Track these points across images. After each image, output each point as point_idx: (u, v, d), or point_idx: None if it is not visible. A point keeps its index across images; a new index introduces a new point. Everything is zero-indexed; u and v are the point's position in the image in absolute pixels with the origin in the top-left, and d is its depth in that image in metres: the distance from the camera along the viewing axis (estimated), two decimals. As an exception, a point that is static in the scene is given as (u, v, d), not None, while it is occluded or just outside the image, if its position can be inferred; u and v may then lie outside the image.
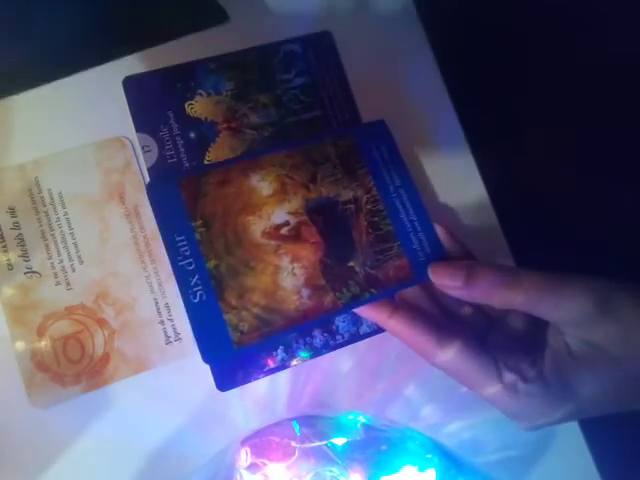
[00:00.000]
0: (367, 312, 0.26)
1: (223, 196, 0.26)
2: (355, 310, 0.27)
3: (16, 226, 0.29)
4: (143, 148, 0.31)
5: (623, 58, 0.27)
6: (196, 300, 0.25)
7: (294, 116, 0.32)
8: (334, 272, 0.26)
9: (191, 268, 0.25)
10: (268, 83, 0.32)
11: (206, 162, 0.31)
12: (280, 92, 0.32)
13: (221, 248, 0.25)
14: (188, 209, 0.26)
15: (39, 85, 0.30)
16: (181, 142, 0.31)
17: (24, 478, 0.27)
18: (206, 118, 0.31)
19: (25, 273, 0.28)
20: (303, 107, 0.32)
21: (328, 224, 0.27)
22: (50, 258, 0.29)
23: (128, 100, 0.31)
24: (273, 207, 0.27)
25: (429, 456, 0.28)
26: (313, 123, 0.32)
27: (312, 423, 0.29)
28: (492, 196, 0.33)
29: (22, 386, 0.27)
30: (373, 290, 0.26)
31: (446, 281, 0.25)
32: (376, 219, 0.28)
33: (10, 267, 0.28)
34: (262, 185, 0.27)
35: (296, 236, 0.26)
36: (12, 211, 0.29)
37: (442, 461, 0.28)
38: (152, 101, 0.31)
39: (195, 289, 0.25)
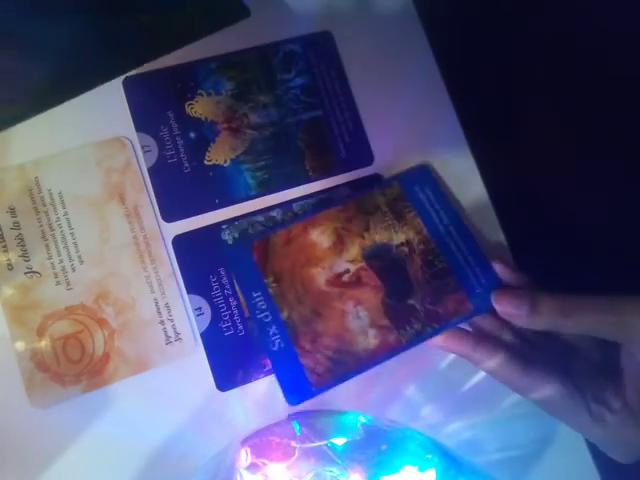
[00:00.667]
0: (451, 345, 0.27)
1: (289, 253, 0.29)
2: (437, 346, 0.28)
3: (16, 226, 0.29)
4: (143, 148, 0.31)
5: (624, 57, 0.27)
6: (275, 348, 0.28)
7: (294, 116, 0.32)
8: (396, 311, 0.29)
9: (268, 320, 0.28)
10: (268, 83, 0.32)
11: (206, 162, 0.31)
12: (280, 92, 0.32)
13: (292, 299, 0.28)
14: (260, 268, 0.29)
15: (61, 103, 0.30)
16: (181, 142, 0.31)
17: (24, 478, 0.27)
18: (206, 118, 0.31)
19: (25, 273, 0.28)
20: (303, 107, 0.32)
21: (385, 268, 0.29)
22: (50, 258, 0.29)
23: (128, 100, 0.31)
24: (333, 258, 0.29)
25: (429, 456, 0.28)
26: (313, 123, 0.32)
27: (312, 423, 0.29)
28: (492, 196, 0.33)
29: (22, 386, 0.27)
30: (435, 325, 0.28)
31: (510, 309, 0.26)
32: (430, 257, 0.30)
33: (10, 267, 0.28)
34: (322, 239, 0.30)
35: (357, 282, 0.29)
36: (12, 211, 0.29)
37: (442, 461, 0.28)
38: (152, 101, 0.31)
39: (273, 338, 0.28)
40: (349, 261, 0.29)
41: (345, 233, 0.30)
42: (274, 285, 0.28)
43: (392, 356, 0.28)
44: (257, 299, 0.28)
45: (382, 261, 0.29)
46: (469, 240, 0.30)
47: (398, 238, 0.30)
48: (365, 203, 0.31)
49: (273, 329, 0.28)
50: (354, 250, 0.30)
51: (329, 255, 0.29)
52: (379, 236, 0.30)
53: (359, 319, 0.28)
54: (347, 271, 0.29)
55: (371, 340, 0.28)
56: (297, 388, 0.27)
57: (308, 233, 0.30)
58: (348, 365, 0.28)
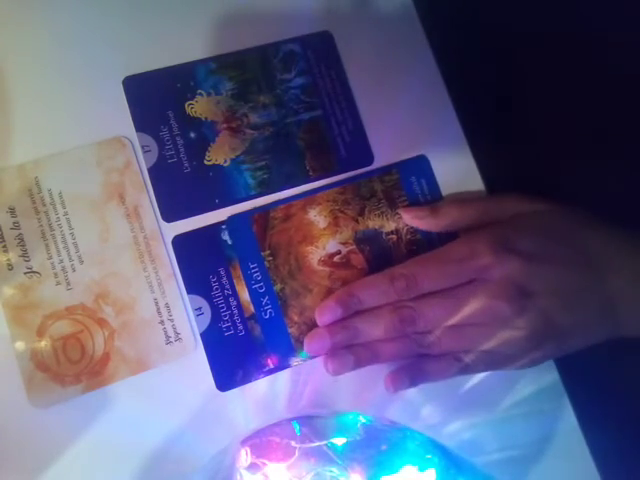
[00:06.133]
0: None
1: (287, 229, 0.31)
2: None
3: (16, 226, 0.29)
4: (143, 148, 0.31)
5: (623, 57, 0.27)
6: (266, 317, 0.30)
7: (294, 116, 0.32)
8: None
9: (262, 291, 0.30)
10: (268, 83, 0.32)
11: (206, 162, 0.31)
12: (280, 92, 0.32)
13: (285, 274, 0.30)
14: (259, 241, 0.30)
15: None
16: (181, 142, 0.31)
17: (24, 478, 0.27)
18: (206, 118, 0.31)
19: (25, 273, 0.28)
20: (303, 107, 0.32)
21: (373, 253, 0.31)
22: (50, 258, 0.29)
23: (128, 100, 0.31)
24: (328, 238, 0.31)
25: (429, 456, 0.28)
26: (313, 123, 0.32)
27: (312, 423, 0.29)
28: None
29: (22, 386, 0.27)
30: None
31: (414, 213, 0.31)
32: (414, 248, 0.31)
33: (10, 267, 0.28)
34: (318, 219, 0.31)
35: (346, 263, 0.31)
36: (12, 211, 0.29)
37: (442, 461, 0.28)
38: (152, 101, 0.31)
39: (266, 308, 0.30)
40: (341, 243, 0.31)
41: (341, 215, 0.31)
42: (270, 259, 0.30)
43: None
44: (253, 270, 0.30)
45: (371, 246, 0.31)
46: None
47: (389, 226, 0.31)
48: (363, 188, 0.32)
49: (266, 299, 0.30)
50: (347, 233, 0.31)
51: (324, 235, 0.31)
52: (372, 222, 0.31)
53: None
54: (338, 252, 0.31)
55: None
56: (283, 354, 0.30)
57: (306, 211, 0.31)
58: None
